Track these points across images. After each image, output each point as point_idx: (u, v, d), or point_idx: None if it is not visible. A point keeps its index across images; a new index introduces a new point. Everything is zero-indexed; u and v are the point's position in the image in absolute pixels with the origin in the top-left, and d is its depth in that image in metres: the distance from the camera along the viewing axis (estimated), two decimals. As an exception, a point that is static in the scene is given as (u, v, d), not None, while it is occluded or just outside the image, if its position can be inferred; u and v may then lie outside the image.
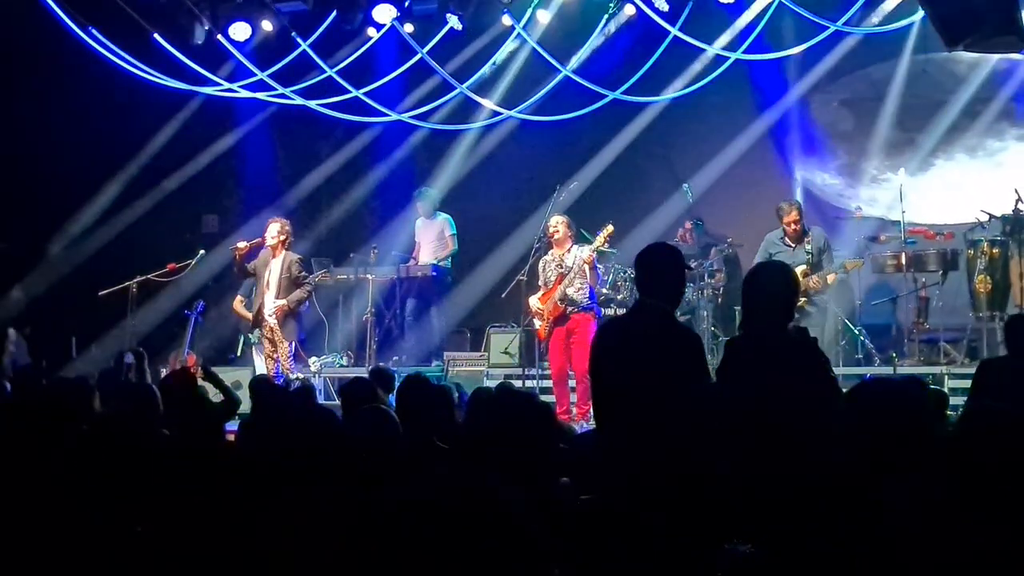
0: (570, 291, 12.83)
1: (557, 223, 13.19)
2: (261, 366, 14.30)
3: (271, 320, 13.56)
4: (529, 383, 13.57)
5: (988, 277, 13.61)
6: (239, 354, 14.76)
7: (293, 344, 13.70)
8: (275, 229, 13.82)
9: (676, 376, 6.21)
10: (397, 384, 9.65)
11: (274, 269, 13.74)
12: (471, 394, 9.17)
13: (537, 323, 13.34)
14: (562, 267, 13.00)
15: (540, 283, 13.34)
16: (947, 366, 13.23)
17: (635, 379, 6.29)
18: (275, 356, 13.58)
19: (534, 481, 5.00)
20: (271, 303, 13.61)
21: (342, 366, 15.91)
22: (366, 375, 11.55)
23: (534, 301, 13.22)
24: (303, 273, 13.99)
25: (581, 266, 12.84)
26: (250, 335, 14.62)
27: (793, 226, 13.34)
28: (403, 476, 5.05)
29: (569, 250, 13.10)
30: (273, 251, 13.80)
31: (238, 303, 14.91)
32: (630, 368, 6.39)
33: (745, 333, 6.46)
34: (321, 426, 5.65)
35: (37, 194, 16.70)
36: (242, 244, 13.73)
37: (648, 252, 6.85)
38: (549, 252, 13.34)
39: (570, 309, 12.84)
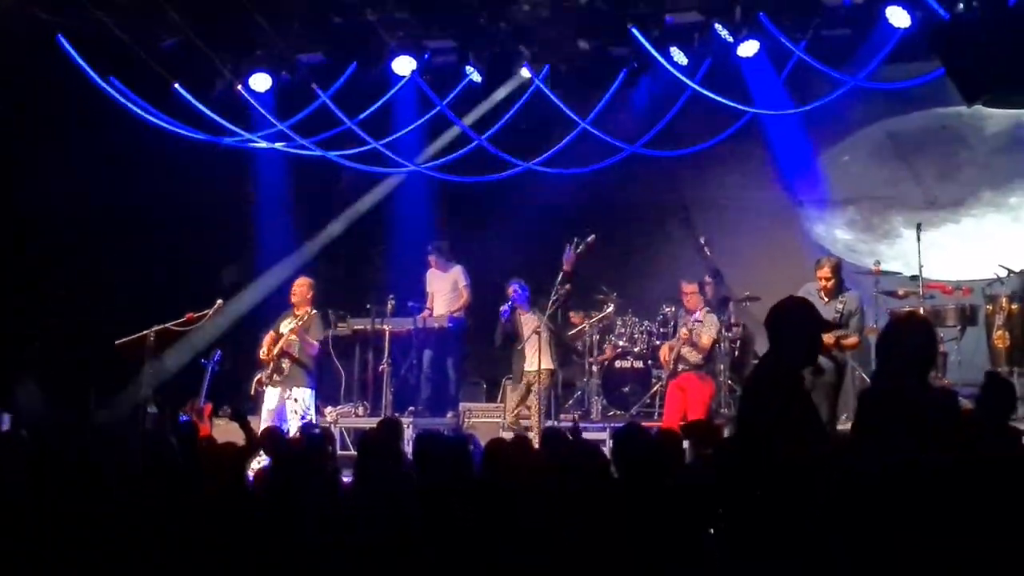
0: (684, 351, 13.76)
1: (690, 290, 14.15)
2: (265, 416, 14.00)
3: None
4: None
5: (1007, 332, 13.59)
6: (252, 393, 14.26)
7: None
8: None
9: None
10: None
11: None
12: (486, 445, 9.11)
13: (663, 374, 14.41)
14: (687, 327, 13.82)
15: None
16: (966, 422, 13.12)
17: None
18: None
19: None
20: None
21: (358, 416, 15.86)
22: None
23: (664, 349, 14.18)
24: None
25: (688, 336, 13.77)
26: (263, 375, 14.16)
27: (824, 282, 12.82)
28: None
29: (695, 313, 13.98)
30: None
31: (269, 339, 14.32)
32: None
33: (880, 387, 6.15)
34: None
35: (56, 242, 16.70)
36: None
37: (773, 309, 6.64)
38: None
39: (681, 367, 13.76)
